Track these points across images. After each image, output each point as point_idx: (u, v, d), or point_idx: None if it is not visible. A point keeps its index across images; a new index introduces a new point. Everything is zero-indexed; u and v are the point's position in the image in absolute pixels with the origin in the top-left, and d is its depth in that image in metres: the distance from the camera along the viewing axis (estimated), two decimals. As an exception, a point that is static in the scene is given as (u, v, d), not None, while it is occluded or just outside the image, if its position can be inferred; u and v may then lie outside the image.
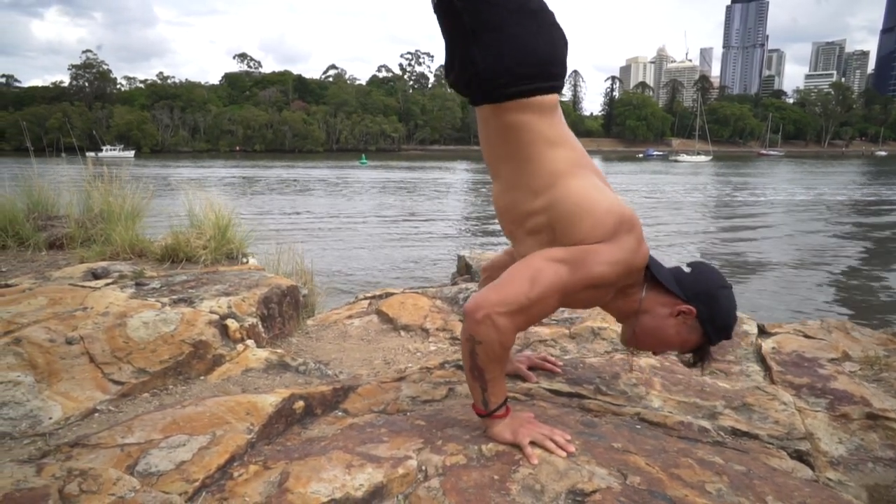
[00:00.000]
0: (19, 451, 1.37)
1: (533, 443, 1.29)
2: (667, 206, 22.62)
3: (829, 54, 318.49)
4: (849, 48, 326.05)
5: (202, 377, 1.88)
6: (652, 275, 1.39)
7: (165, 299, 2.15)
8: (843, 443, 1.59)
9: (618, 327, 2.19)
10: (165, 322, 1.95)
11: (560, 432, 1.33)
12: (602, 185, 1.39)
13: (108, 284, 2.31)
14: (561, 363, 1.86)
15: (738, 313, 2.41)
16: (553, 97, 1.35)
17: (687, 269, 1.43)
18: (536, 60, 1.29)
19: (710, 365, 1.48)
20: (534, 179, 1.35)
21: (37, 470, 1.12)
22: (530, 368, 1.80)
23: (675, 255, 12.34)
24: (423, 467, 1.22)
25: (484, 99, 1.35)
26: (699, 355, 1.44)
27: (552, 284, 1.25)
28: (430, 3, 1.35)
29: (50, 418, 1.54)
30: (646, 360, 1.93)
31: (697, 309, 1.35)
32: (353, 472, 1.18)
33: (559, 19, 1.35)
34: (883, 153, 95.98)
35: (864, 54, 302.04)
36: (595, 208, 1.30)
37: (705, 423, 1.57)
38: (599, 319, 2.25)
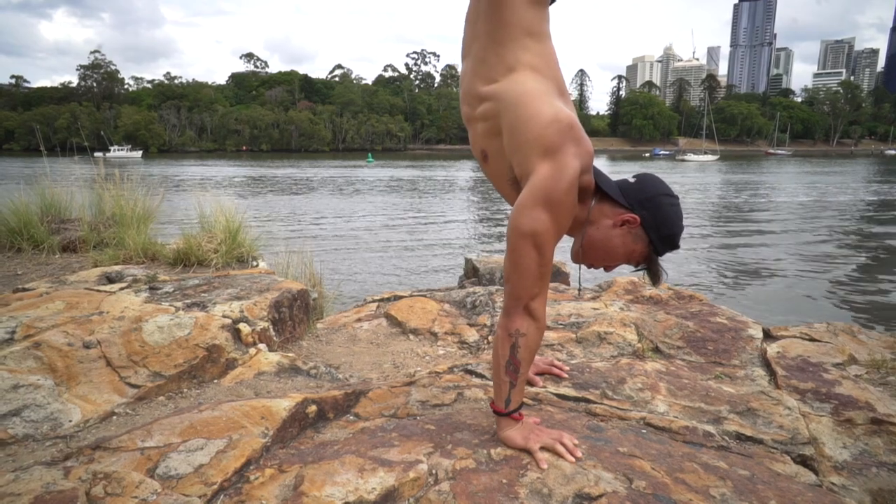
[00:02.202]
0: (42, 452, 1.41)
1: (543, 448, 1.32)
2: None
3: (838, 52, 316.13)
4: (858, 46, 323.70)
5: (216, 381, 1.92)
6: (598, 187, 1.39)
7: (179, 303, 2.19)
8: (847, 448, 1.60)
9: (623, 332, 2.22)
10: (180, 326, 2.00)
11: (568, 437, 1.36)
12: (549, 92, 1.37)
13: (122, 288, 2.35)
14: (567, 368, 1.89)
15: (744, 317, 2.44)
16: (546, 11, 1.39)
17: (632, 180, 1.43)
18: None
19: (662, 278, 1.46)
20: (497, 61, 1.38)
21: (64, 473, 1.16)
22: (537, 373, 1.83)
23: (680, 258, 12.32)
24: (434, 471, 1.26)
25: None
26: (650, 269, 1.43)
27: (549, 236, 1.27)
28: None
29: (70, 421, 1.59)
30: (651, 365, 1.96)
31: (641, 217, 1.35)
32: (365, 476, 1.21)
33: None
34: (892, 152, 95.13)
35: (874, 52, 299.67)
36: (538, 118, 1.29)
37: (710, 428, 1.59)
38: (605, 324, 2.27)
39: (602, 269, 1.48)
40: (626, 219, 1.36)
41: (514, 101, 1.33)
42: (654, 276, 1.44)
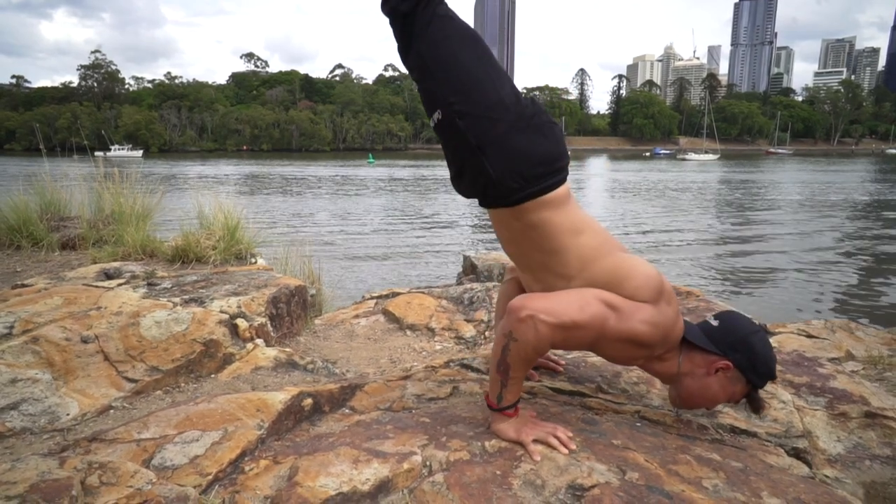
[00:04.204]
0: (39, 445, 1.42)
1: (536, 440, 1.33)
2: (670, 207, 22.54)
3: (839, 51, 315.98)
4: (858, 45, 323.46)
5: (213, 375, 1.93)
6: (685, 337, 1.43)
7: (177, 299, 2.20)
8: (841, 441, 1.61)
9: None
10: (177, 321, 2.01)
11: (562, 429, 1.37)
12: (635, 257, 1.44)
13: (120, 285, 2.36)
14: (563, 362, 1.89)
15: (742, 313, 2.45)
16: (565, 187, 1.41)
17: (714, 323, 1.46)
18: (544, 160, 1.36)
19: (767, 407, 1.53)
20: (565, 267, 1.41)
21: (59, 463, 1.17)
22: (533, 367, 1.84)
23: (679, 257, 12.32)
24: (428, 463, 1.27)
25: (502, 204, 1.41)
26: (751, 402, 1.46)
27: (597, 319, 1.30)
28: (431, 124, 1.41)
29: (67, 414, 1.60)
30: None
31: (734, 360, 1.39)
32: (360, 467, 1.22)
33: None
34: (893, 151, 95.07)
35: (875, 51, 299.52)
36: (636, 273, 1.36)
37: (704, 421, 1.60)
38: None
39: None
40: (719, 366, 1.40)
41: (605, 279, 1.36)
42: (757, 407, 1.47)
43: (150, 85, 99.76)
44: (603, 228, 1.48)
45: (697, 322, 1.50)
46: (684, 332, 1.43)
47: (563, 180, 1.41)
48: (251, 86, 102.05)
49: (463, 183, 1.45)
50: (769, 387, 1.82)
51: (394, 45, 1.52)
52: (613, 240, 1.48)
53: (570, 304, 1.29)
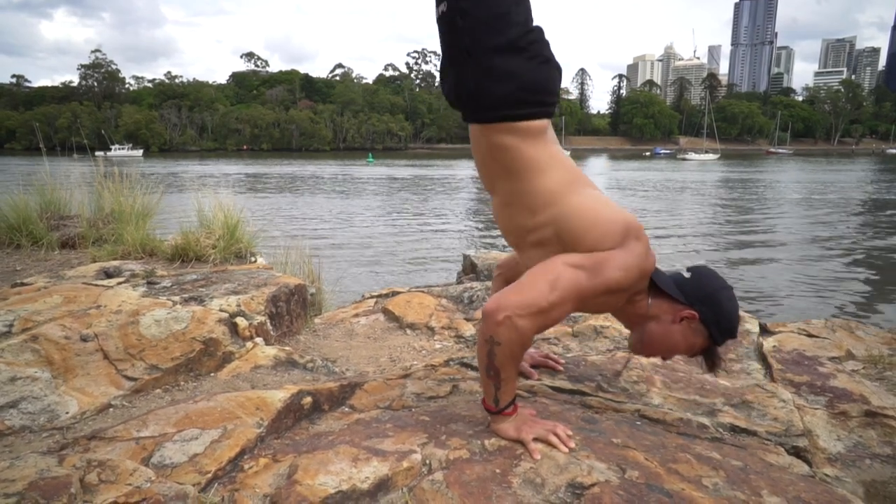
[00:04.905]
0: (39, 443, 1.42)
1: (536, 439, 1.33)
2: (671, 206, 22.53)
3: (839, 51, 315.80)
4: (859, 45, 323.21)
5: (212, 374, 1.93)
6: (654, 283, 1.43)
7: (176, 298, 2.20)
8: (841, 440, 1.61)
9: (619, 325, 2.23)
10: (177, 320, 2.00)
11: (562, 427, 1.37)
12: (603, 197, 1.43)
13: (120, 283, 2.36)
14: (563, 361, 1.89)
15: (741, 312, 2.45)
16: (541, 122, 1.39)
17: (687, 275, 1.46)
18: (527, 88, 1.33)
19: (723, 365, 1.51)
20: (531, 198, 1.39)
21: (58, 460, 1.17)
22: (533, 366, 1.84)
23: (679, 256, 12.32)
24: (428, 461, 1.26)
25: (473, 118, 1.39)
26: (708, 358, 1.47)
27: (571, 289, 1.29)
28: (435, 14, 1.38)
29: (67, 413, 1.59)
30: (647, 359, 1.96)
31: (700, 312, 1.39)
32: (359, 466, 1.22)
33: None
34: (893, 151, 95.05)
35: (875, 51, 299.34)
36: (601, 218, 1.34)
37: (704, 420, 1.60)
38: (602, 318, 2.27)
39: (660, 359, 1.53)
40: (685, 315, 1.40)
41: (570, 222, 1.35)
42: (713, 364, 1.48)
43: (150, 84, 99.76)
44: (576, 168, 1.45)
45: (670, 272, 1.49)
46: (654, 277, 1.42)
47: (542, 116, 1.38)
48: (251, 85, 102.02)
49: (446, 84, 1.42)
50: (769, 386, 1.82)
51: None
52: (584, 177, 1.45)
53: (541, 288, 1.28)
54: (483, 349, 1.30)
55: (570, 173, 1.42)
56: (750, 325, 2.31)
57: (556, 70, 1.39)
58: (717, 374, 1.61)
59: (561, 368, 1.84)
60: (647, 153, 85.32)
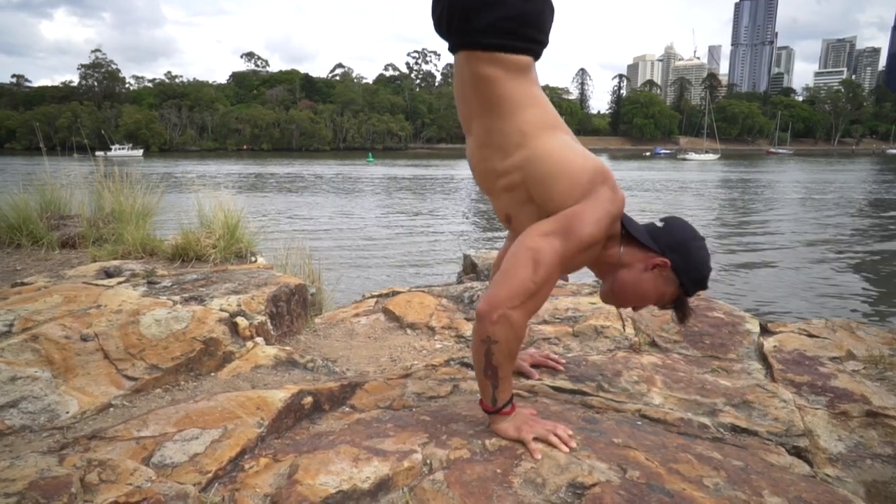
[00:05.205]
0: (39, 443, 1.42)
1: (536, 438, 1.33)
2: (672, 207, 22.53)
3: (840, 51, 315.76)
4: (859, 45, 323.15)
5: (213, 374, 1.93)
6: (627, 230, 1.42)
7: (177, 297, 2.20)
8: (842, 440, 1.61)
9: (620, 324, 2.23)
10: (177, 320, 2.00)
11: (563, 427, 1.37)
12: (573, 143, 1.40)
13: (120, 283, 2.36)
14: (564, 361, 1.89)
15: (741, 312, 2.45)
16: (526, 58, 1.36)
17: (660, 224, 1.46)
18: (515, 18, 1.31)
19: (691, 315, 1.49)
20: (503, 138, 1.37)
21: (59, 460, 1.17)
22: (533, 366, 1.84)
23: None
24: (428, 461, 1.26)
25: (460, 41, 1.36)
26: (679, 309, 1.46)
27: (552, 260, 1.28)
28: None
29: (67, 412, 1.59)
30: (647, 359, 1.96)
31: (672, 260, 1.38)
32: (360, 466, 1.22)
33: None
34: (894, 151, 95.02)
35: (875, 51, 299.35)
36: (569, 167, 1.33)
37: (705, 420, 1.60)
38: (602, 318, 2.27)
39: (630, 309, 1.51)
40: (657, 263, 1.39)
41: (537, 166, 1.34)
42: (683, 315, 1.47)
43: (150, 84, 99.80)
44: (555, 113, 1.44)
45: (645, 223, 1.48)
46: (626, 225, 1.41)
47: (527, 52, 1.36)
48: (251, 85, 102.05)
49: (438, 6, 1.38)
50: (770, 386, 1.82)
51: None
52: (561, 122, 1.43)
53: (525, 271, 1.27)
54: (480, 349, 1.30)
55: (546, 115, 1.40)
56: (750, 325, 2.30)
57: (549, 8, 1.37)
58: (684, 325, 1.60)
59: (561, 368, 1.84)
60: (648, 153, 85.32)
